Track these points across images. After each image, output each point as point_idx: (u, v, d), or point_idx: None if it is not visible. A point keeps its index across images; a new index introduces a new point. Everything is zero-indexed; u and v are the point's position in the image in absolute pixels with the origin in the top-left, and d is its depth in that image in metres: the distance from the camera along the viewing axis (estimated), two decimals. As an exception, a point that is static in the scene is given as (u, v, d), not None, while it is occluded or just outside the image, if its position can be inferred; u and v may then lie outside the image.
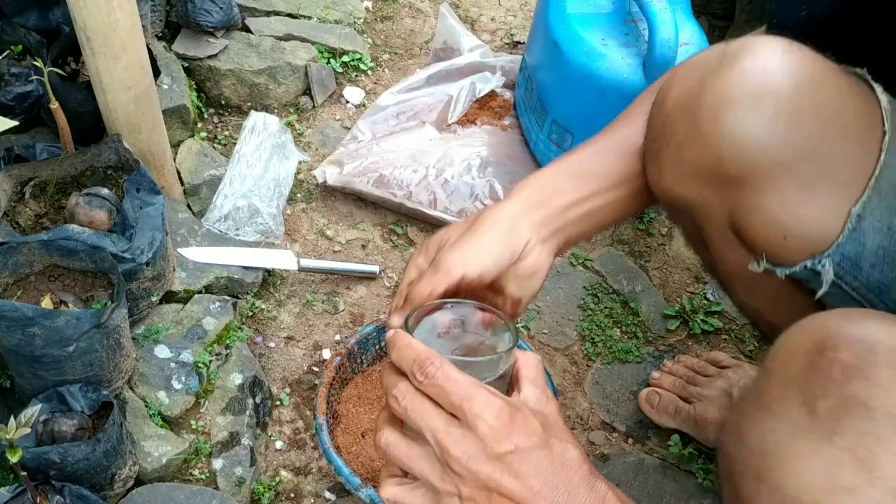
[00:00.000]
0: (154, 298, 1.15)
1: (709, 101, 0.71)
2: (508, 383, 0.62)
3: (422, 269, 0.76)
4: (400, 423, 0.60)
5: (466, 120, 1.60)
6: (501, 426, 0.54)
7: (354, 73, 1.70)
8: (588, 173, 0.81)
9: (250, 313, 1.28)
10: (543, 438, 0.56)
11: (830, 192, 0.71)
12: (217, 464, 1.08)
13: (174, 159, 1.37)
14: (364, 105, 1.65)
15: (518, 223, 0.75)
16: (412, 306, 0.69)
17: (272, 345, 1.26)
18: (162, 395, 1.09)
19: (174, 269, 1.22)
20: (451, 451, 0.54)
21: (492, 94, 1.64)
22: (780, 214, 0.72)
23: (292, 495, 1.11)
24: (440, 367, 0.55)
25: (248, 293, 1.28)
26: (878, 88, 0.73)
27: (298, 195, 1.46)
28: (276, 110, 1.60)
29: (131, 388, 1.09)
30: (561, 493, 0.55)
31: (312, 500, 1.10)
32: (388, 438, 0.58)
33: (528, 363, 0.62)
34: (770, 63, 0.70)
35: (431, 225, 1.44)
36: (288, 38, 1.64)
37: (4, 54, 1.24)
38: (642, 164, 0.83)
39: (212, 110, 1.57)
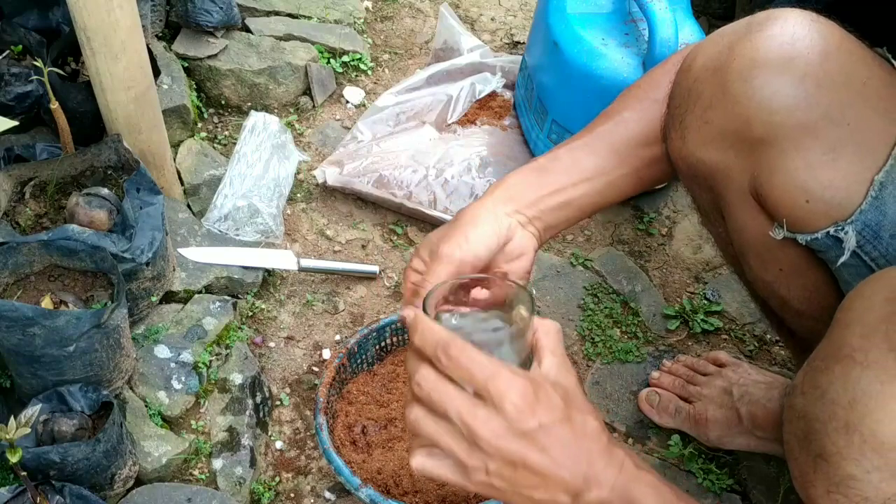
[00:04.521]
0: (154, 298, 1.15)
1: (738, 63, 0.72)
2: (529, 353, 0.64)
3: (420, 271, 0.79)
4: None
5: (466, 120, 1.60)
6: (526, 405, 0.56)
7: (354, 73, 1.70)
8: (559, 169, 0.84)
9: (250, 313, 1.28)
10: (565, 413, 0.58)
11: (854, 158, 0.71)
12: (217, 464, 1.08)
13: (174, 159, 1.37)
14: (364, 105, 1.65)
15: (496, 213, 0.80)
16: (421, 298, 0.71)
17: (272, 345, 1.26)
18: (162, 395, 1.09)
19: (174, 269, 1.22)
20: (477, 431, 0.56)
21: (492, 95, 1.64)
22: (804, 176, 0.73)
23: (292, 495, 1.11)
24: (463, 350, 0.57)
25: (248, 293, 1.28)
26: None
27: (298, 195, 1.46)
28: (276, 110, 1.60)
29: (131, 388, 1.09)
30: (581, 464, 0.57)
31: (312, 500, 1.10)
32: (416, 414, 0.59)
33: (548, 332, 0.63)
34: (799, 30, 0.71)
35: (431, 225, 1.44)
36: (288, 38, 1.64)
37: (4, 54, 1.24)
38: (618, 157, 0.85)
39: (212, 110, 1.57)
